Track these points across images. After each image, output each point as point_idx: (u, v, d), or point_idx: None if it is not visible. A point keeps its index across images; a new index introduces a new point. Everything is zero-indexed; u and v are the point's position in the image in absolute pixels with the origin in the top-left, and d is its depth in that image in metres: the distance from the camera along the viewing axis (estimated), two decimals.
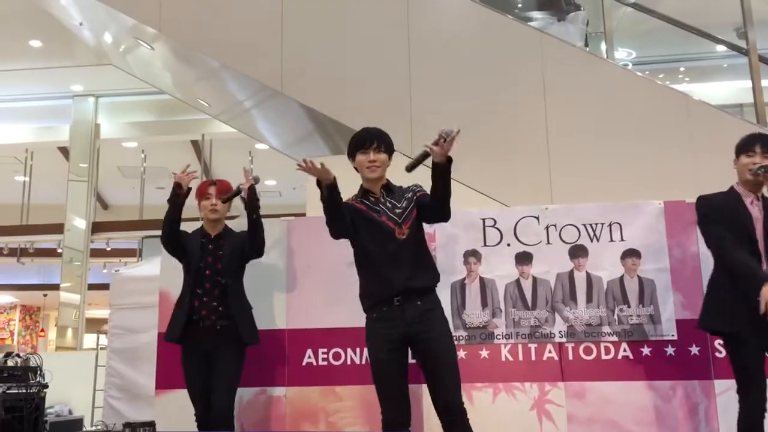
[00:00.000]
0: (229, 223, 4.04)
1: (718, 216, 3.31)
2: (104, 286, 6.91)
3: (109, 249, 11.88)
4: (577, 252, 4.09)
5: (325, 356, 4.12)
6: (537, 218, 4.17)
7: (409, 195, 3.22)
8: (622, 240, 4.07)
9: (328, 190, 3.04)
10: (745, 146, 3.35)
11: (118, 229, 10.85)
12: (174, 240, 3.87)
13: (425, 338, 3.08)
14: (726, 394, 3.75)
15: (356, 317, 4.11)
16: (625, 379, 3.88)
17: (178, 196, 3.80)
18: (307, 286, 4.22)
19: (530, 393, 3.93)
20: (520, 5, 7.63)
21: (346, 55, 5.68)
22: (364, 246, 3.18)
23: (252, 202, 3.80)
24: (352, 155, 3.27)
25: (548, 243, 4.12)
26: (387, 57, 5.63)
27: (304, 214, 5.69)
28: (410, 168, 2.98)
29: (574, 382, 3.91)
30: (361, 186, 3.30)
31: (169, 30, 5.92)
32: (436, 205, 3.09)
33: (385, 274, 3.10)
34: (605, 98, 5.31)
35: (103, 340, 6.27)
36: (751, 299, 3.09)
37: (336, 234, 3.19)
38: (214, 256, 3.81)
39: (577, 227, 4.12)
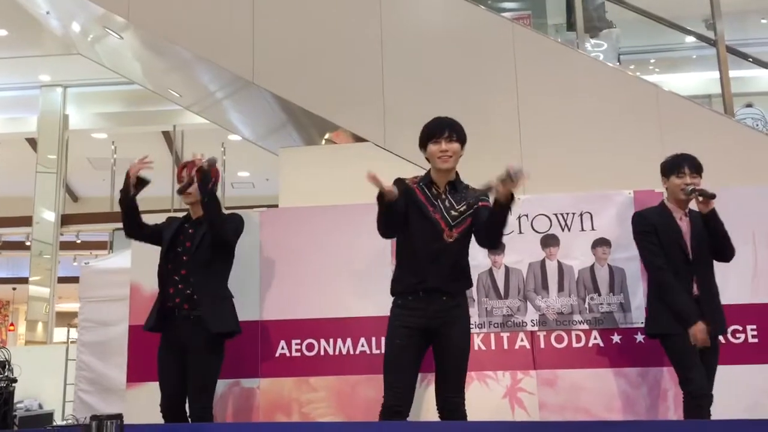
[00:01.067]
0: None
1: (652, 231, 3.52)
2: (74, 279, 6.83)
3: (79, 241, 11.72)
4: (549, 241, 4.13)
5: (299, 347, 4.12)
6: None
7: (471, 201, 3.18)
8: (592, 229, 4.11)
9: (387, 206, 2.96)
10: (674, 168, 3.55)
11: (89, 222, 10.70)
12: (136, 233, 3.80)
13: (444, 333, 3.11)
14: None
15: (330, 308, 4.15)
16: (596, 367, 3.93)
17: (126, 188, 3.70)
18: (280, 277, 4.20)
19: (502, 381, 3.96)
20: None
21: (318, 46, 5.65)
22: (410, 236, 3.14)
23: (202, 186, 3.58)
24: (423, 145, 3.20)
25: (520, 233, 4.14)
26: (360, 48, 5.61)
27: (277, 206, 5.66)
28: None
29: (545, 370, 3.95)
30: (428, 174, 3.25)
31: (139, 19, 5.83)
32: (488, 235, 3.10)
33: (421, 269, 3.10)
34: (577, 89, 5.35)
35: (74, 333, 6.20)
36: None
37: (383, 234, 3.15)
38: (192, 239, 3.67)
39: (548, 217, 4.16)
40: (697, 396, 3.32)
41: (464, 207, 3.17)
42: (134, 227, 3.78)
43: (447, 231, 3.12)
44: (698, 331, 3.32)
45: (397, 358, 3.11)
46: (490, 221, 3.05)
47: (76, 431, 1.85)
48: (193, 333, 3.56)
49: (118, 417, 1.85)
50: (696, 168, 3.54)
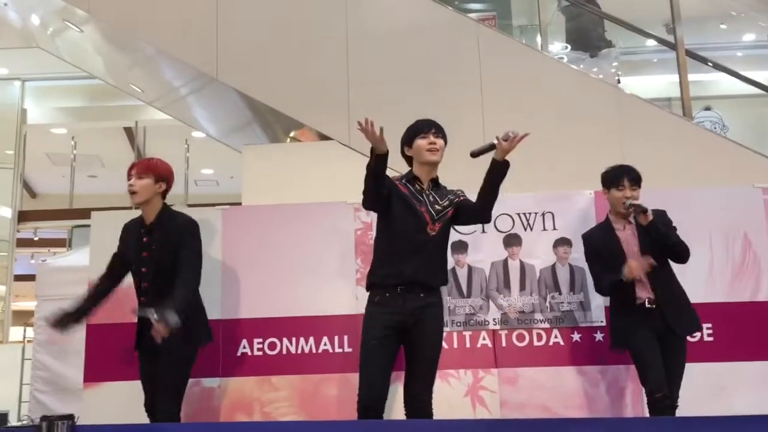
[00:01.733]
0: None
1: (595, 253, 3.65)
2: (31, 277, 6.67)
3: (36, 239, 11.49)
4: (512, 241, 4.16)
5: (261, 346, 4.08)
6: None
7: (452, 197, 3.31)
8: (554, 229, 4.16)
9: (379, 159, 3.00)
10: (614, 180, 3.60)
11: (47, 218, 10.48)
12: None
13: (418, 331, 3.16)
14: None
15: (292, 306, 4.12)
16: (556, 365, 3.97)
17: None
18: (242, 275, 4.16)
19: (464, 380, 3.98)
20: None
21: (283, 43, 5.61)
22: (393, 227, 3.19)
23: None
24: (409, 142, 3.30)
25: (483, 232, 4.17)
26: (325, 45, 5.59)
27: (240, 203, 5.61)
28: (476, 154, 3.18)
29: (507, 368, 3.98)
30: (411, 172, 3.33)
31: (100, 13, 5.73)
32: (482, 206, 3.24)
33: (400, 262, 3.15)
34: (540, 90, 5.41)
35: (30, 332, 6.07)
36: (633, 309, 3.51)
37: (370, 204, 3.20)
38: (148, 250, 3.44)
39: (511, 216, 4.19)
40: (655, 400, 3.37)
41: (446, 202, 3.28)
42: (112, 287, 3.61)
43: (431, 224, 3.20)
44: (630, 268, 3.41)
45: (373, 358, 3.14)
46: (483, 190, 3.21)
47: (28, 431, 1.81)
48: (165, 341, 3.30)
49: (70, 417, 1.81)
50: (635, 180, 3.59)
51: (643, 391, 3.50)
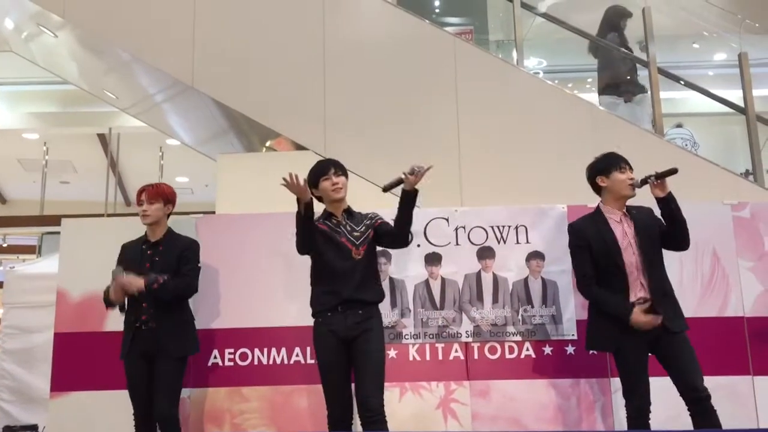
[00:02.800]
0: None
1: (585, 245, 3.49)
2: None
3: (5, 245, 11.29)
4: (485, 253, 4.18)
5: (232, 357, 4.05)
6: (447, 220, 4.23)
7: (368, 222, 3.55)
8: (527, 242, 4.19)
9: (306, 207, 3.29)
10: (614, 163, 3.52)
11: (16, 225, 10.33)
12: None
13: (360, 341, 3.36)
14: (620, 391, 3.91)
15: (263, 317, 4.10)
16: (528, 378, 3.99)
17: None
18: (214, 285, 4.13)
19: (436, 392, 3.98)
20: (437, 10, 7.75)
21: (260, 52, 5.60)
22: (324, 262, 3.45)
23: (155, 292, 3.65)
24: (315, 184, 3.53)
25: (457, 244, 4.19)
26: (302, 56, 5.58)
27: (214, 212, 5.57)
28: (386, 189, 3.43)
29: (478, 381, 3.99)
30: (325, 210, 3.58)
31: (75, 18, 5.67)
32: (399, 231, 3.45)
33: (335, 286, 3.40)
34: (515, 105, 5.45)
35: None
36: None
37: (304, 249, 3.46)
38: (151, 262, 3.74)
39: (485, 229, 4.22)
40: (635, 417, 3.33)
41: (363, 228, 3.52)
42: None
43: (354, 250, 3.45)
44: (637, 317, 3.30)
45: (328, 376, 3.39)
46: (398, 219, 3.42)
47: None
48: (160, 347, 3.63)
49: (33, 428, 1.77)
50: (629, 163, 3.54)
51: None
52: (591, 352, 3.92)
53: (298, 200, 3.30)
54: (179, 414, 3.65)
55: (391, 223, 3.48)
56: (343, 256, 3.42)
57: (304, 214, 3.31)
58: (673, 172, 3.35)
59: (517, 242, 4.19)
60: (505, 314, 4.09)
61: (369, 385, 3.29)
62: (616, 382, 3.92)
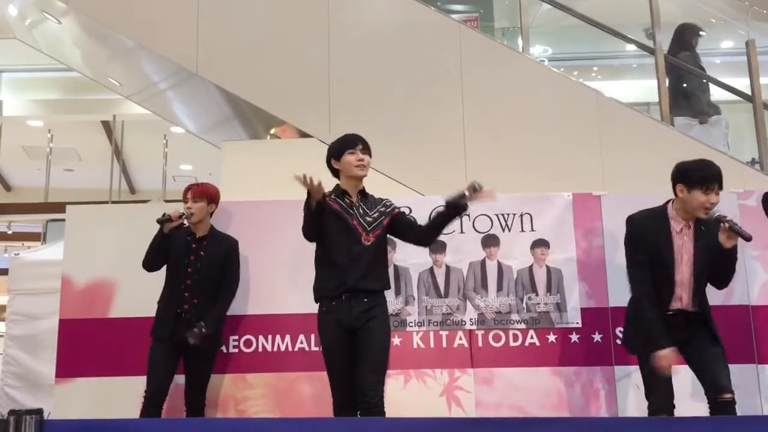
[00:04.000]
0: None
1: (642, 242, 3.25)
2: (4, 271, 6.58)
3: (10, 232, 11.32)
4: (490, 241, 4.18)
5: (236, 343, 4.06)
6: None
7: (383, 209, 3.42)
8: (532, 230, 4.18)
9: (318, 206, 3.20)
10: (703, 182, 3.16)
11: (21, 212, 10.34)
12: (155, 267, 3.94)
13: (365, 327, 3.26)
14: (625, 379, 3.92)
15: (268, 304, 4.10)
16: (532, 365, 3.99)
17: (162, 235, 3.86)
18: None
19: (440, 379, 3.99)
20: None
21: (264, 40, 5.58)
22: (331, 244, 3.34)
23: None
24: (338, 155, 3.40)
25: (462, 232, 4.18)
26: (307, 43, 5.56)
27: None
28: (450, 204, 3.29)
29: (482, 368, 3.99)
30: (338, 186, 3.44)
31: (78, 5, 5.65)
32: (429, 235, 3.42)
33: (341, 273, 3.28)
34: (521, 92, 5.42)
35: (2, 327, 5.98)
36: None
37: (312, 237, 3.37)
38: (196, 255, 3.87)
39: (489, 217, 4.21)
40: (658, 411, 3.18)
41: (377, 214, 3.39)
42: (160, 263, 3.92)
43: (365, 235, 3.32)
44: (661, 357, 3.11)
45: (332, 363, 3.30)
46: (434, 224, 3.37)
47: None
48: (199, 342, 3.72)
49: (38, 412, 1.78)
50: (721, 184, 3.20)
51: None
52: (597, 337, 3.92)
53: (309, 195, 3.18)
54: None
55: (406, 212, 3.43)
56: (353, 241, 3.29)
57: (315, 212, 3.22)
58: (747, 239, 3.11)
59: (522, 230, 4.18)
60: (509, 302, 4.09)
61: (369, 376, 3.20)
62: (620, 370, 3.94)
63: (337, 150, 3.41)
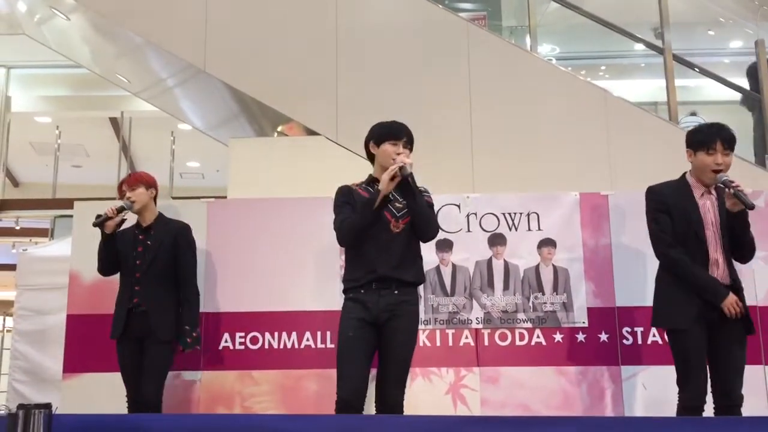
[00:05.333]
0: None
1: (664, 210, 3.17)
2: (12, 267, 6.60)
3: (18, 228, 11.35)
4: (496, 240, 4.17)
5: (243, 340, 4.07)
6: (458, 206, 4.22)
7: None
8: (539, 229, 4.17)
9: (383, 201, 3.12)
10: (704, 142, 3.13)
11: (29, 208, 10.36)
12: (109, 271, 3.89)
13: (391, 326, 3.13)
14: (631, 379, 3.92)
15: (275, 301, 4.11)
16: (538, 365, 3.99)
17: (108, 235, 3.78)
18: (225, 269, 4.15)
19: (446, 378, 3.99)
20: None
21: (272, 37, 5.59)
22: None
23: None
24: (378, 141, 3.25)
25: (468, 231, 4.18)
26: (315, 41, 5.57)
27: (225, 197, 5.58)
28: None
29: (488, 367, 3.99)
30: (370, 176, 3.32)
31: (87, 1, 5.67)
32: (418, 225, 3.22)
33: (371, 261, 3.14)
34: (528, 91, 5.42)
35: (10, 322, 6.01)
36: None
37: (355, 241, 3.20)
38: (143, 246, 3.81)
39: (496, 216, 4.20)
40: (688, 408, 3.04)
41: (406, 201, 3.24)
42: (114, 265, 3.87)
43: (393, 222, 3.19)
44: (730, 304, 3.01)
45: (349, 351, 3.11)
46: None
47: (4, 421, 1.79)
48: (151, 328, 3.69)
49: (47, 406, 1.79)
50: (729, 143, 3.11)
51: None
52: (603, 337, 3.91)
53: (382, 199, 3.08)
54: (162, 397, 3.69)
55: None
56: (381, 227, 3.14)
57: (377, 207, 3.10)
58: (750, 207, 3.02)
59: (529, 229, 4.18)
60: (515, 301, 4.08)
61: (391, 379, 3.10)
62: (626, 370, 3.93)
63: (379, 136, 3.26)
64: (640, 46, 6.77)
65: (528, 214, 4.19)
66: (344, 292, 3.25)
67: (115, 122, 10.36)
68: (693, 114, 6.51)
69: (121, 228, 3.83)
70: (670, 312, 3.16)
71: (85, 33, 6.61)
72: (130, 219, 3.90)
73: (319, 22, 5.58)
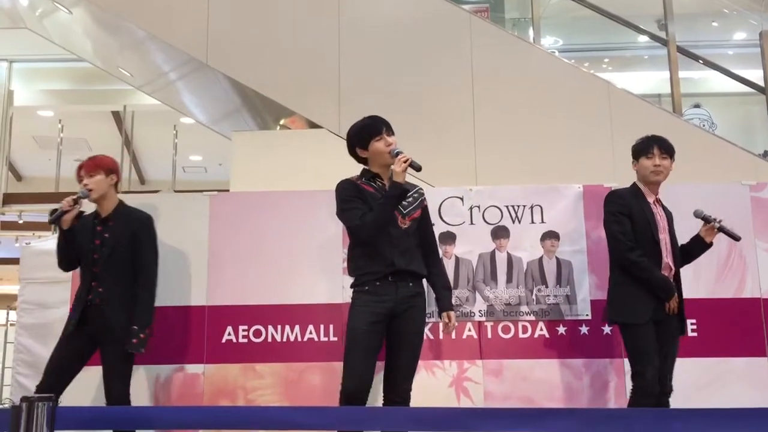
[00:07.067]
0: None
1: (627, 213, 3.46)
2: (15, 261, 6.61)
3: (21, 222, 11.38)
4: (499, 233, 4.16)
5: (246, 333, 4.07)
6: (461, 199, 4.21)
7: (416, 195, 3.30)
8: (542, 222, 4.16)
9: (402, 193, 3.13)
10: (643, 149, 3.54)
11: (32, 201, 10.39)
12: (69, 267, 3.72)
13: (403, 319, 3.16)
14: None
15: (278, 294, 4.11)
16: (541, 357, 3.98)
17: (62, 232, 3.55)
18: (228, 262, 4.14)
19: (449, 370, 3.99)
20: None
21: (275, 30, 5.58)
22: None
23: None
24: (364, 144, 3.22)
25: (471, 223, 4.17)
26: (317, 33, 5.56)
27: (228, 191, 5.58)
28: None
29: (492, 359, 3.99)
30: (368, 171, 3.27)
31: None
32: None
33: (385, 253, 3.14)
34: (531, 83, 5.41)
35: (13, 315, 6.02)
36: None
37: (371, 238, 3.16)
38: (101, 239, 3.56)
39: (499, 208, 4.19)
40: (646, 394, 3.31)
41: (411, 199, 3.27)
42: (75, 260, 3.67)
43: (401, 218, 3.21)
44: (674, 302, 3.41)
45: (361, 344, 3.11)
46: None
47: (7, 413, 1.79)
48: (107, 325, 3.50)
49: (50, 399, 1.79)
50: (667, 149, 3.52)
51: (628, 382, 3.50)
52: (606, 330, 3.91)
53: (393, 187, 3.08)
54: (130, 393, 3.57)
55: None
56: (390, 223, 3.16)
57: (395, 204, 3.12)
58: (736, 239, 3.47)
59: (532, 222, 4.17)
60: (519, 294, 4.08)
61: (403, 370, 3.14)
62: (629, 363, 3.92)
63: (361, 139, 3.23)
64: (643, 38, 6.76)
65: (531, 207, 4.18)
66: (355, 285, 3.23)
67: (117, 116, 10.37)
68: (697, 106, 6.50)
69: (81, 217, 3.59)
70: (629, 308, 3.44)
71: (87, 27, 6.61)
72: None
73: (321, 15, 5.57)
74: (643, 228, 3.44)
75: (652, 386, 3.31)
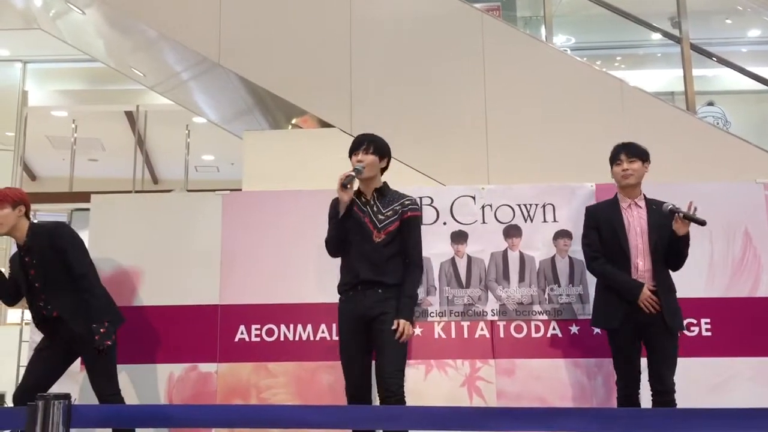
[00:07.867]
0: None
1: (594, 227, 3.64)
2: None
3: (35, 221, 11.48)
4: (512, 232, 4.16)
5: (258, 332, 4.09)
6: (473, 198, 4.21)
7: (397, 207, 3.42)
8: (554, 221, 4.15)
9: (347, 210, 3.36)
10: (613, 158, 3.67)
11: (46, 201, 10.46)
12: (16, 298, 3.79)
13: (380, 319, 3.30)
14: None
15: (291, 294, 4.12)
16: (554, 357, 3.98)
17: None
18: (241, 261, 4.16)
19: (462, 370, 3.98)
20: None
21: (286, 30, 5.58)
22: (347, 238, 3.43)
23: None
24: (350, 158, 3.47)
25: (483, 222, 4.17)
26: (329, 33, 5.56)
27: (240, 190, 5.59)
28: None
29: (504, 359, 3.98)
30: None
31: None
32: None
33: (356, 266, 3.37)
34: (544, 81, 5.38)
35: (28, 314, 6.06)
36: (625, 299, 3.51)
37: (335, 254, 3.48)
38: (31, 266, 3.61)
39: (512, 207, 4.18)
40: (624, 395, 3.48)
41: (390, 212, 3.42)
42: (14, 295, 3.77)
43: (375, 233, 3.37)
44: (644, 299, 3.44)
45: (346, 351, 3.37)
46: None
47: (23, 412, 1.81)
48: (73, 335, 3.58)
49: (66, 397, 1.80)
50: (633, 153, 3.61)
51: (645, 384, 3.50)
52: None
53: (339, 202, 3.34)
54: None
55: (427, 202, 3.56)
56: (365, 237, 3.37)
57: (343, 220, 3.36)
58: (702, 223, 3.42)
59: (545, 221, 4.16)
60: (531, 293, 4.07)
61: (388, 366, 3.24)
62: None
63: (350, 153, 3.48)
64: (656, 36, 6.71)
65: (543, 206, 4.17)
66: (338, 292, 3.48)
67: (130, 116, 10.42)
68: (710, 104, 6.46)
69: (12, 259, 3.71)
70: (604, 314, 3.59)
71: (100, 27, 6.64)
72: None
73: (333, 14, 5.57)
74: (609, 235, 3.57)
75: (628, 389, 3.48)
